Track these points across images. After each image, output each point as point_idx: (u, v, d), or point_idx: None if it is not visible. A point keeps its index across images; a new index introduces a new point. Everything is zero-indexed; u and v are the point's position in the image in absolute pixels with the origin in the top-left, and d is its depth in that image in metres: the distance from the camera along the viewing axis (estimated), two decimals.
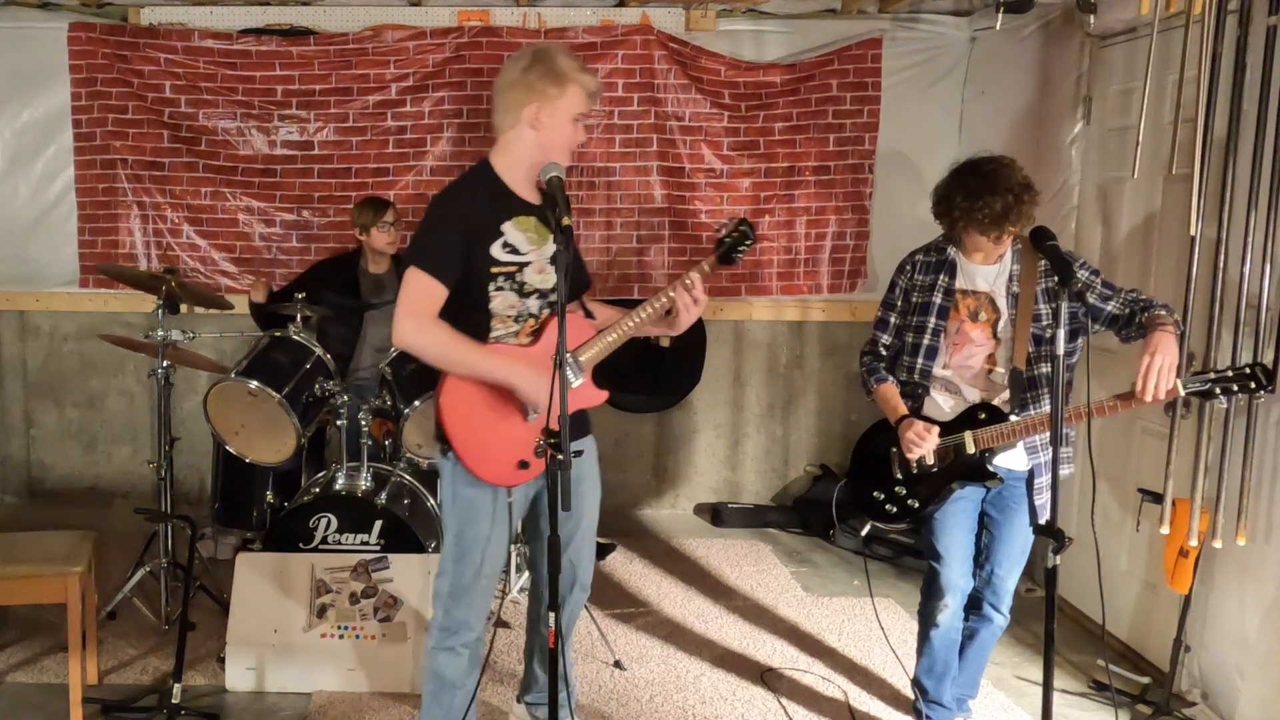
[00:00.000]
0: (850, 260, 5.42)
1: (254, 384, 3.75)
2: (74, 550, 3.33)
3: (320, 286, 4.51)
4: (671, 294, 2.75)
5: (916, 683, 3.33)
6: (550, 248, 2.74)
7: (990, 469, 3.00)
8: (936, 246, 3.13)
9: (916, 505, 3.10)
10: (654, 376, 5.30)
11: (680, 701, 3.56)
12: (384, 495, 3.83)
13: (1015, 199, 2.86)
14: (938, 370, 3.09)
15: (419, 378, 3.87)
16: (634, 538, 5.12)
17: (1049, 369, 2.94)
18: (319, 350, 3.97)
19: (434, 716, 2.93)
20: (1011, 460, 3.04)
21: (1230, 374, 2.80)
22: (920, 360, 3.09)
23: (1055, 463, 2.53)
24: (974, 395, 3.06)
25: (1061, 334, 2.49)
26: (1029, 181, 2.92)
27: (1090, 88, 4.26)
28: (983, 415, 3.00)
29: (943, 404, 3.10)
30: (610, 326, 2.81)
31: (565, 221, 2.43)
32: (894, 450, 3.12)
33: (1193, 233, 3.37)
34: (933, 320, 3.07)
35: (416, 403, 3.84)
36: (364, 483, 3.87)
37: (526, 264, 2.72)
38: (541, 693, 3.22)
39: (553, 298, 2.77)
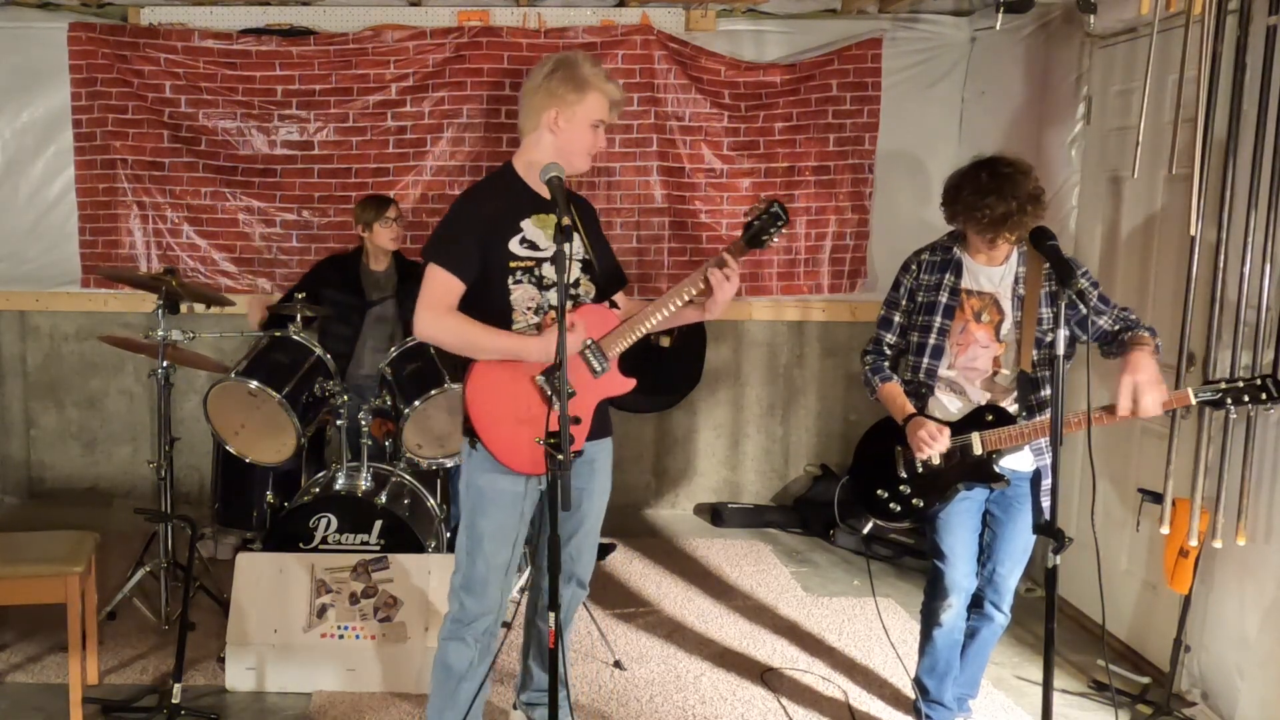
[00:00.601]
0: (850, 260, 5.42)
1: (254, 384, 3.75)
2: (74, 550, 3.33)
3: (322, 285, 4.53)
4: (700, 283, 2.75)
5: (918, 682, 3.33)
6: (573, 245, 2.77)
7: (997, 470, 3.01)
8: (942, 245, 3.13)
9: (922, 505, 3.10)
10: (654, 376, 5.29)
11: (680, 701, 3.56)
12: (384, 495, 3.83)
13: (1019, 208, 2.86)
14: (943, 370, 3.09)
15: (419, 378, 3.87)
16: (634, 538, 5.12)
17: (1050, 372, 2.94)
18: (319, 350, 3.97)
19: (439, 706, 2.94)
20: (1016, 461, 3.04)
21: (1241, 384, 2.80)
22: (926, 360, 3.09)
23: (1055, 463, 2.53)
24: (979, 397, 3.06)
25: (1061, 336, 2.50)
26: (1039, 194, 2.91)
27: (1090, 88, 4.26)
28: (989, 417, 3.00)
29: (948, 404, 3.10)
30: (640, 315, 2.81)
31: (565, 221, 2.45)
32: (899, 449, 3.12)
33: (1193, 233, 3.36)
34: (938, 320, 3.07)
35: (416, 403, 3.84)
36: (364, 483, 3.87)
37: (546, 259, 2.79)
38: (536, 691, 3.23)
39: (574, 292, 2.83)
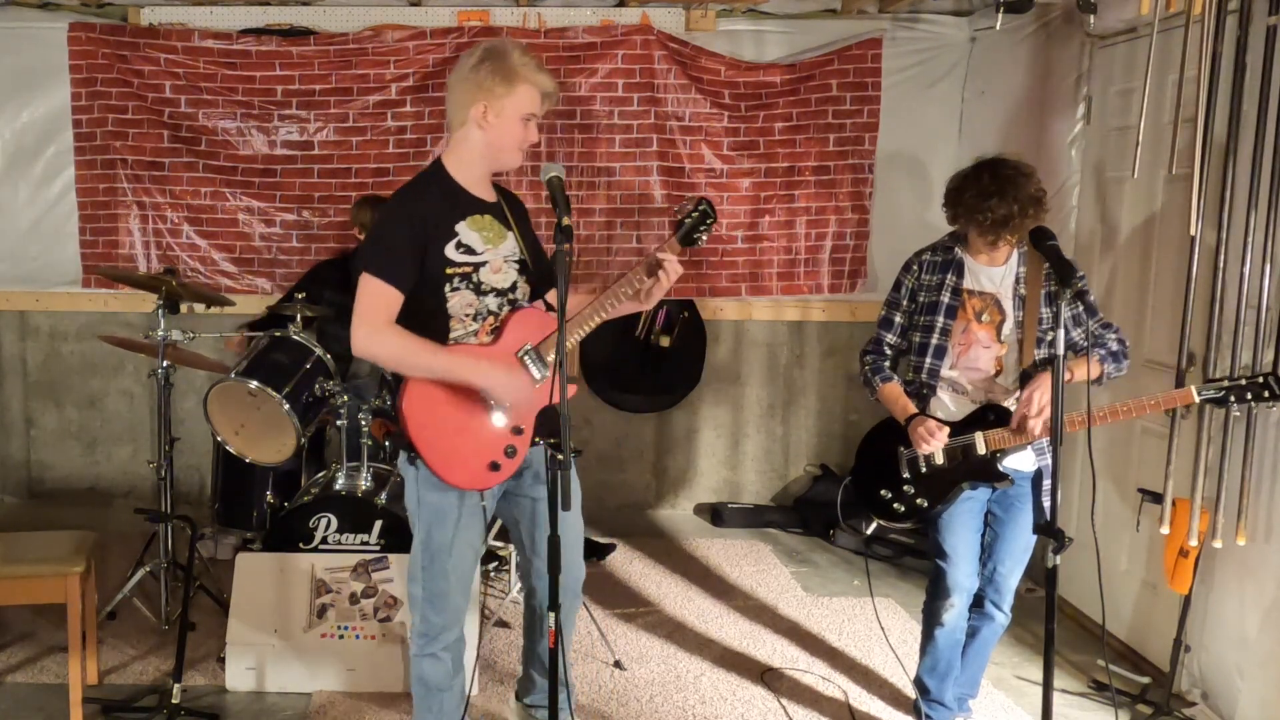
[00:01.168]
0: (850, 260, 5.42)
1: (254, 384, 3.75)
2: (74, 550, 3.32)
3: (321, 286, 4.52)
4: (636, 283, 2.73)
5: (919, 682, 3.33)
6: (508, 246, 2.74)
7: (1001, 470, 3.01)
8: (943, 246, 3.13)
9: (925, 505, 3.10)
10: (654, 376, 5.30)
11: (680, 701, 3.56)
12: (384, 495, 3.83)
13: (1020, 210, 2.86)
14: (945, 371, 3.09)
15: None
16: (634, 538, 5.12)
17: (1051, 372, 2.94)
18: (319, 350, 3.97)
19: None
20: (1019, 461, 3.05)
21: (1244, 382, 2.81)
22: (929, 360, 3.09)
23: (1055, 463, 2.53)
24: (981, 397, 3.06)
25: (1061, 334, 2.50)
26: (1041, 197, 2.91)
27: (1090, 87, 4.26)
28: (992, 417, 3.01)
29: (950, 405, 3.10)
30: (578, 318, 2.74)
31: (565, 222, 2.41)
32: (902, 450, 3.12)
33: (1193, 233, 3.37)
34: (940, 320, 3.07)
35: None
36: (364, 483, 3.87)
37: (483, 264, 2.70)
38: (540, 695, 3.22)
39: (512, 295, 2.76)
